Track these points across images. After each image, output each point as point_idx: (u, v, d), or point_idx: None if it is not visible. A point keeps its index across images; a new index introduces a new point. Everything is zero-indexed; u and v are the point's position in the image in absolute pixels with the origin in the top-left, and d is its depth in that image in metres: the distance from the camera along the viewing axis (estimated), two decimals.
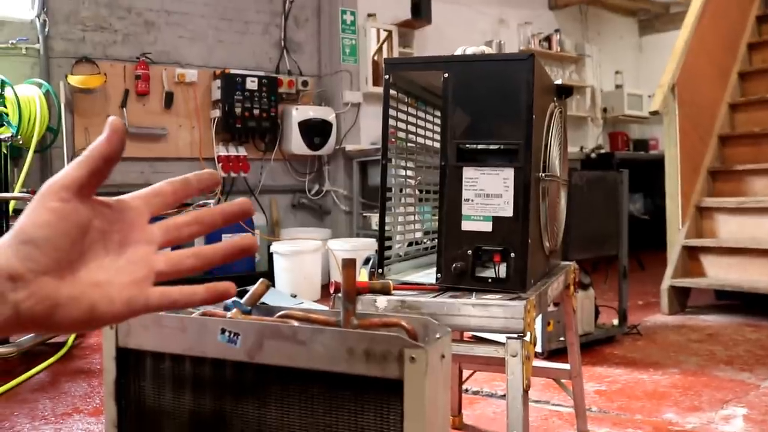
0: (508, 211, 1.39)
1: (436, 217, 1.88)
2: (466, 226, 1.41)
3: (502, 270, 1.38)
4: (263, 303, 1.02)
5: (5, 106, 4.06)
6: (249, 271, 4.89)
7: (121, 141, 0.54)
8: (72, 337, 3.69)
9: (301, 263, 4.67)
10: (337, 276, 4.86)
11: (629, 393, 2.92)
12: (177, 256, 0.58)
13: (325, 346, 0.77)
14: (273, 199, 5.68)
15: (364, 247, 4.72)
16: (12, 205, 4.00)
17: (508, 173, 1.42)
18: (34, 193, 3.65)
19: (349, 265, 0.85)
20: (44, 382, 3.30)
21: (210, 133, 5.38)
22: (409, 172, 1.87)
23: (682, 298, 4.45)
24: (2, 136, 3.77)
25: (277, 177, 5.76)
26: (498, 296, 1.33)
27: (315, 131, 5.57)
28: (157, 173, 5.12)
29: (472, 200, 1.41)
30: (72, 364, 3.49)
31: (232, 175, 5.36)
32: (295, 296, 4.46)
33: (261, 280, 0.91)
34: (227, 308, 0.89)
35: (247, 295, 0.88)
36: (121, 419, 0.93)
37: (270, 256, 4.85)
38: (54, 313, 0.50)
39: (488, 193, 1.43)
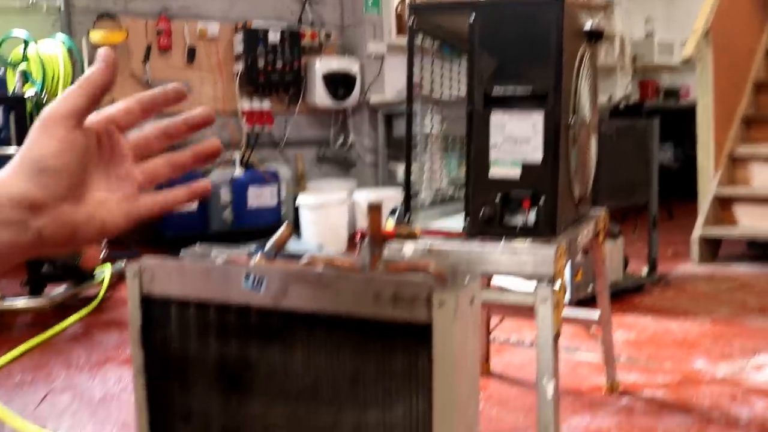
0: (538, 156, 1.36)
1: (463, 168, 1.85)
2: (494, 172, 1.38)
3: (531, 216, 1.35)
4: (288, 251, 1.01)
5: (29, 64, 4.05)
6: (275, 223, 4.91)
7: (114, 71, 0.57)
8: (103, 290, 3.74)
9: (327, 215, 4.67)
10: (363, 226, 4.86)
11: (658, 342, 2.90)
12: (152, 166, 0.61)
13: (352, 290, 0.75)
14: (298, 153, 5.67)
15: (390, 197, 4.70)
16: None
17: (538, 117, 1.39)
18: None
19: (375, 208, 0.83)
20: (78, 333, 3.37)
21: (233, 87, 5.35)
22: (435, 122, 1.83)
23: (712, 248, 4.39)
24: (27, 94, 3.78)
25: (302, 130, 5.73)
26: (527, 242, 1.30)
27: (339, 83, 5.51)
28: None
29: (500, 146, 1.38)
30: (103, 315, 3.55)
31: (257, 129, 5.34)
32: (322, 248, 4.47)
33: (285, 224, 0.89)
34: (251, 255, 0.88)
35: (271, 241, 0.87)
36: (148, 366, 0.93)
37: (296, 209, 4.86)
38: (74, 234, 0.54)
39: (517, 138, 1.39)
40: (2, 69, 4.05)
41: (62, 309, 3.49)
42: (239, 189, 4.90)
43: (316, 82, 5.46)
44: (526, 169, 1.37)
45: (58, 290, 3.53)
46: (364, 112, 5.79)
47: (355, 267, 0.79)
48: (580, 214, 1.72)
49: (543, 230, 1.35)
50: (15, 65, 4.00)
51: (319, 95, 5.46)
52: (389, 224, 1.42)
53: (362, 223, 4.86)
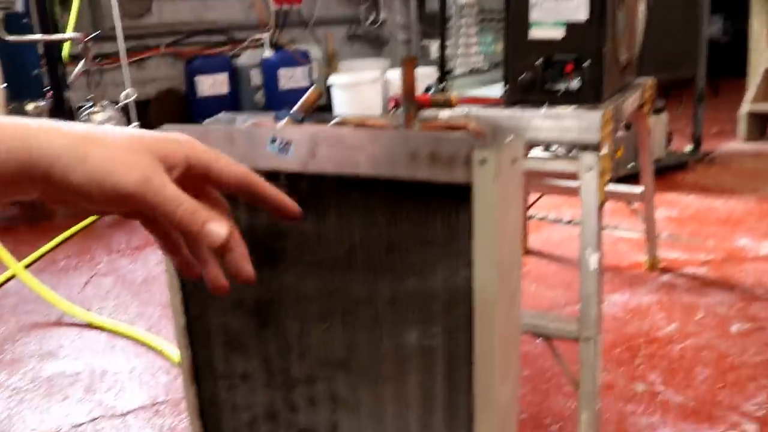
0: (583, 15, 1.25)
1: (499, 44, 1.74)
2: (535, 33, 1.29)
3: (575, 81, 1.26)
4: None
5: None
6: None
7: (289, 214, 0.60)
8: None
9: (360, 95, 4.57)
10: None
11: (701, 219, 2.83)
12: None
13: (386, 150, 0.70)
14: (328, 32, 5.49)
15: (424, 75, 4.56)
16: (67, 48, 3.96)
17: None
18: (87, 35, 3.59)
19: (409, 61, 0.76)
20: (117, 218, 3.41)
21: None
22: None
23: (761, 125, 4.21)
24: None
25: (331, 7, 5.53)
26: (571, 108, 1.23)
27: None
28: (208, 11, 4.95)
29: (541, 4, 1.28)
30: None
31: (285, 8, 5.16)
32: None
33: (314, 86, 0.83)
34: (278, 118, 0.83)
35: (299, 103, 0.81)
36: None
37: (327, 90, 4.76)
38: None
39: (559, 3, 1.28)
40: None
41: None
42: (270, 71, 4.79)
43: None
44: (570, 29, 1.27)
45: None
46: None
47: (389, 126, 0.73)
48: (625, 82, 1.63)
49: (587, 96, 1.27)
50: None
51: None
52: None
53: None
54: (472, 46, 1.78)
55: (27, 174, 0.45)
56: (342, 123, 0.76)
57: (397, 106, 1.03)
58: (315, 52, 5.22)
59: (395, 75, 4.72)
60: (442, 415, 0.82)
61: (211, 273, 0.55)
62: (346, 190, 0.76)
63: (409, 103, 0.74)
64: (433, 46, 4.48)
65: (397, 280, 0.78)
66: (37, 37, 3.60)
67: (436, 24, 1.52)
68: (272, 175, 0.79)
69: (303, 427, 0.92)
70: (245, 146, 0.78)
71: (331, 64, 5.21)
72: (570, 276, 2.34)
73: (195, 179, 0.52)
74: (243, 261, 0.53)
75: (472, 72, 1.76)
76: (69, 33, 3.70)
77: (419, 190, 0.72)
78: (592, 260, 1.20)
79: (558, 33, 1.27)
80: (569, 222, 2.79)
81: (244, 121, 0.85)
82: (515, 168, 0.74)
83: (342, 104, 4.61)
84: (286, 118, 0.81)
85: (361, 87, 4.55)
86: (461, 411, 0.80)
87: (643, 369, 1.77)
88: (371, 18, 5.64)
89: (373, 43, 5.77)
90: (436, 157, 0.68)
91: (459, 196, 0.70)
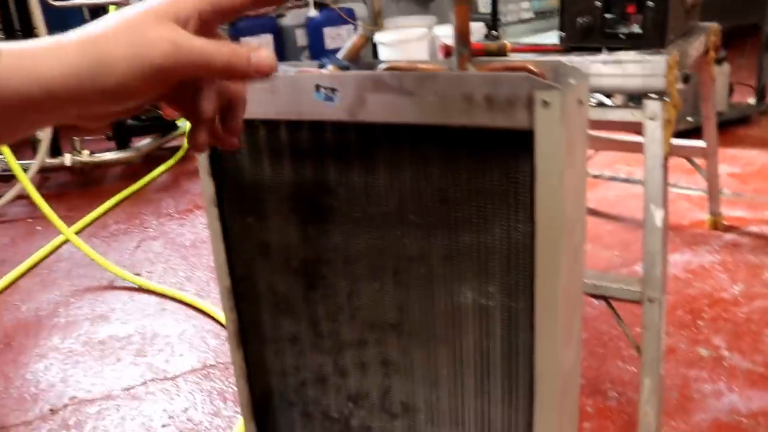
0: None
1: None
2: None
3: (637, 23, 1.17)
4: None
5: None
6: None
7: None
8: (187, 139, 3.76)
9: (407, 53, 4.46)
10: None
11: (766, 176, 2.70)
12: None
13: (438, 94, 0.64)
14: None
15: (473, 31, 4.44)
16: (112, 11, 3.95)
17: None
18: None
19: (461, 4, 0.69)
20: (166, 182, 3.43)
21: None
22: None
23: None
24: None
25: None
26: (633, 53, 1.14)
27: None
28: None
29: None
30: (189, 165, 3.58)
31: None
32: None
33: (358, 33, 0.77)
34: (322, 66, 0.77)
35: (344, 48, 0.76)
36: (220, 196, 0.87)
37: (374, 48, 4.67)
38: None
39: None
40: None
41: (149, 160, 3.54)
42: (315, 31, 4.73)
43: None
44: None
45: (144, 142, 3.57)
46: None
47: (441, 70, 0.67)
48: (689, 26, 1.52)
49: (651, 39, 1.18)
50: None
51: None
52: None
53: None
54: None
55: (53, 98, 0.44)
56: (391, 69, 0.70)
57: (448, 54, 0.96)
58: (360, 10, 5.12)
59: (442, 31, 4.60)
60: (500, 380, 0.77)
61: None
62: (396, 140, 0.70)
63: (462, 46, 0.67)
64: (481, 1, 4.35)
65: (451, 236, 0.72)
66: (83, 0, 3.60)
67: None
68: (318, 126, 0.75)
69: (353, 392, 0.89)
70: (289, 95, 0.73)
71: (376, 21, 5.11)
72: (627, 235, 2.25)
73: (208, 23, 0.50)
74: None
75: (523, 21, 1.68)
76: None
77: (475, 138, 0.66)
78: (657, 216, 1.13)
79: None
80: (625, 179, 2.69)
81: (287, 70, 0.80)
82: (581, 111, 0.67)
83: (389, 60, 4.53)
84: (332, 66, 0.75)
85: (407, 44, 4.44)
86: (521, 375, 0.75)
87: (707, 332, 1.69)
88: None
89: (420, 0, 5.63)
90: (494, 100, 0.62)
91: (519, 143, 0.64)
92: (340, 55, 0.76)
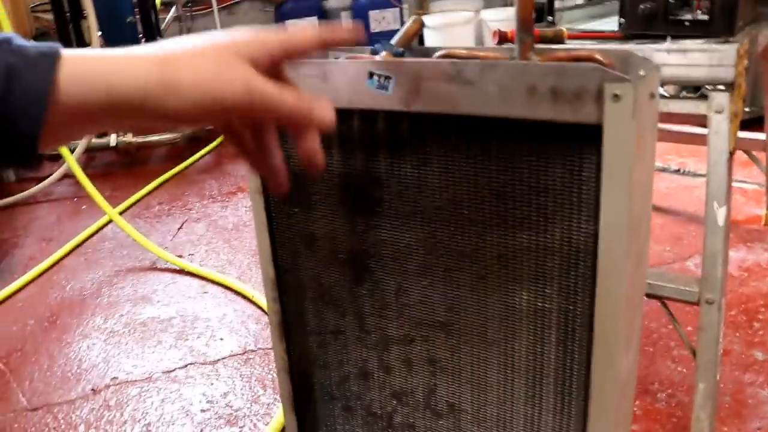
0: None
1: None
2: None
3: (704, 9, 1.11)
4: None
5: None
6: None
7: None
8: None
9: (453, 37, 4.40)
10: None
11: None
12: None
13: (499, 85, 0.60)
14: None
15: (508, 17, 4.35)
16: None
17: None
18: None
19: None
20: (209, 164, 3.44)
21: None
22: None
23: None
24: None
25: None
26: (699, 41, 1.08)
27: None
28: None
29: None
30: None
31: None
32: None
33: (413, 18, 0.74)
34: (375, 52, 0.74)
35: (398, 34, 0.72)
36: (266, 185, 0.84)
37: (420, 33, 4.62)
38: None
39: None
40: None
41: (194, 142, 3.55)
42: (361, 13, 4.69)
43: None
44: None
45: None
46: None
47: (503, 58, 0.63)
48: (757, 12, 1.44)
49: (718, 27, 1.11)
50: None
51: None
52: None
53: (490, 43, 4.54)
54: None
55: (115, 110, 0.45)
56: (449, 55, 0.66)
57: (502, 41, 0.92)
58: None
59: (490, 14, 4.52)
60: (552, 386, 0.73)
61: (311, 149, 0.55)
62: (452, 131, 0.67)
63: (525, 33, 0.63)
64: None
65: (507, 234, 0.69)
66: None
67: None
68: (370, 115, 0.71)
69: (397, 390, 0.86)
70: (340, 83, 0.70)
71: (422, 5, 5.03)
72: (678, 229, 2.18)
73: (278, 64, 0.52)
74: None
75: (579, 6, 1.61)
76: None
77: (537, 131, 0.62)
78: (720, 215, 1.07)
79: None
80: (677, 171, 2.61)
81: (337, 55, 0.76)
82: (652, 105, 0.63)
83: (434, 46, 4.47)
84: (385, 52, 0.72)
85: (454, 27, 4.37)
86: (575, 382, 0.71)
87: (763, 334, 1.62)
88: None
89: None
90: (559, 92, 0.58)
91: (585, 138, 0.60)
92: (393, 41, 0.73)
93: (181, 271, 2.24)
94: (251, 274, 2.18)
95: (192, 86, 0.45)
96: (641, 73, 0.63)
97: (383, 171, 0.74)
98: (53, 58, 0.43)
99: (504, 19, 4.41)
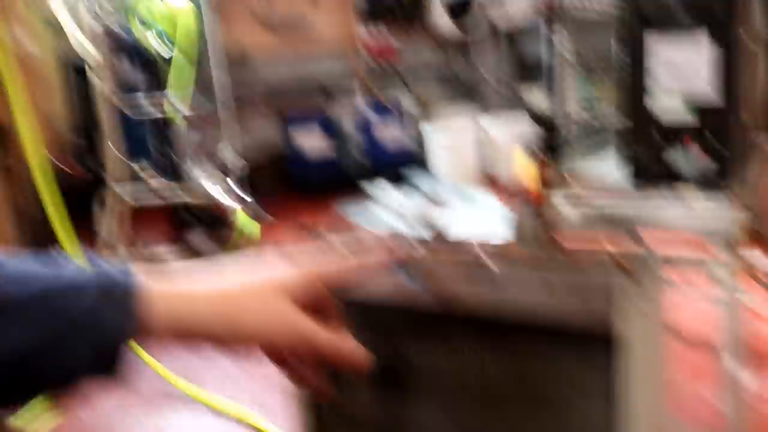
0: (711, 94, 1.17)
1: (606, 98, 1.66)
2: (656, 110, 1.20)
3: (700, 160, 1.17)
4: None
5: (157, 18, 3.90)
6: (404, 154, 4.84)
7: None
8: (237, 234, 3.81)
9: (457, 149, 4.55)
10: (493, 162, 4.67)
11: None
12: None
13: (525, 290, 0.64)
14: (420, 81, 5.48)
15: (521, 124, 4.50)
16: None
17: (704, 39, 1.17)
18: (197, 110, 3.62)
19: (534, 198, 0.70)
20: None
21: (353, 18, 5.22)
22: (573, 44, 1.64)
23: None
24: (166, 55, 3.70)
25: (420, 52, 5.52)
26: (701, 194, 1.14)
27: (459, 6, 5.26)
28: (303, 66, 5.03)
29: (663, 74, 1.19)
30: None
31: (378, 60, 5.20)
32: (460, 190, 4.31)
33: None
34: (397, 236, 0.78)
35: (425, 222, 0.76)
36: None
37: (420, 140, 4.78)
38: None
39: (680, 70, 1.20)
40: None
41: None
42: (366, 125, 4.85)
43: (435, 5, 5.23)
44: (701, 112, 1.18)
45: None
46: (486, 32, 5.49)
47: (530, 258, 0.68)
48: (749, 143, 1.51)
49: (717, 178, 1.17)
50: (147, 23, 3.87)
51: (439, 16, 5.24)
52: (528, 166, 1.28)
53: (492, 153, 4.65)
54: (572, 97, 1.70)
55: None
56: (479, 251, 0.70)
57: (537, 203, 0.96)
58: (405, 99, 5.21)
59: (490, 123, 4.68)
60: None
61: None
62: (480, 327, 0.71)
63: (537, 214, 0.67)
64: (527, 92, 4.38)
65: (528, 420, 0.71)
66: (154, 115, 3.72)
67: (530, 69, 1.45)
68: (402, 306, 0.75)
69: None
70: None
71: (425, 112, 5.15)
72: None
73: (320, 297, 0.60)
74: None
75: (579, 136, 1.67)
76: (180, 107, 3.74)
77: (557, 335, 0.66)
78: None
79: (686, 117, 1.18)
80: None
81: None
82: (660, 306, 0.67)
83: (436, 150, 4.61)
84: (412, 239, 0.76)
85: (454, 133, 4.54)
86: None
87: None
88: (463, 63, 5.60)
89: (465, 87, 5.71)
90: (576, 303, 0.62)
91: (600, 347, 0.63)
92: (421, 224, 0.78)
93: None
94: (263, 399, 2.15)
95: (248, 328, 0.55)
96: (658, 276, 0.67)
97: (412, 357, 0.77)
98: (132, 298, 0.51)
99: (502, 125, 4.55)
